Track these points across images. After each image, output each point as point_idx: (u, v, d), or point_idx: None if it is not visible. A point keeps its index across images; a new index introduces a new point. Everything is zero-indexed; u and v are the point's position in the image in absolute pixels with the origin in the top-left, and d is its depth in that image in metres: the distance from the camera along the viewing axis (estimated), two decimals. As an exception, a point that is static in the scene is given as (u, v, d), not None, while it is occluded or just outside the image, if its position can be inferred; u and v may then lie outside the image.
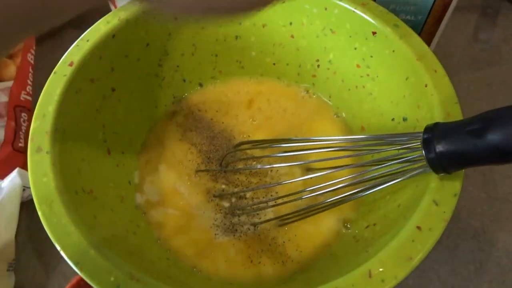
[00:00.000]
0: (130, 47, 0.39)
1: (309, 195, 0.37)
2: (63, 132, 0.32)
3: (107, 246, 0.28)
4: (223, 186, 0.40)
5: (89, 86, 0.36)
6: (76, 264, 0.26)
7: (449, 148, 0.26)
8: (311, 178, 0.39)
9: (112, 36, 0.37)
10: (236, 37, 0.44)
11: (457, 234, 0.44)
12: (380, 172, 0.32)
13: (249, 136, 0.43)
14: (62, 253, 0.26)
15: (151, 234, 0.37)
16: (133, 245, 0.33)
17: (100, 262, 0.26)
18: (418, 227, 0.27)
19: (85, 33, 0.37)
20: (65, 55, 0.35)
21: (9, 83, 0.45)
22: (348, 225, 0.38)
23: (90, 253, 0.26)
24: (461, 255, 0.42)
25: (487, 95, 0.54)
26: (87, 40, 0.36)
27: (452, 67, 0.57)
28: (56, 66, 0.35)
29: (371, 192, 0.33)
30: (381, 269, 0.26)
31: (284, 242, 0.37)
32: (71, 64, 0.35)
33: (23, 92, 0.46)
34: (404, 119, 0.37)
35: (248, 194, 0.39)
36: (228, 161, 0.41)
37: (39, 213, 0.28)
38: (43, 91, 0.33)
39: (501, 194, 0.46)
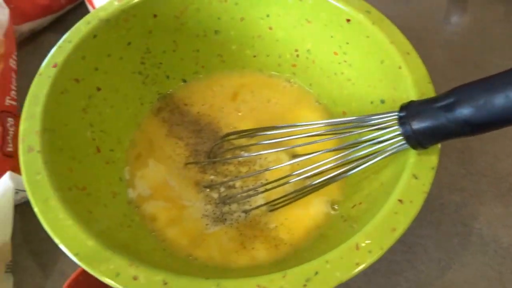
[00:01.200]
0: (112, 47, 0.40)
1: (296, 179, 0.38)
2: (53, 131, 0.33)
3: (103, 238, 0.29)
4: (212, 177, 0.41)
5: (74, 86, 0.37)
6: (75, 255, 0.26)
7: (422, 124, 0.28)
8: (297, 163, 0.40)
9: (94, 36, 0.38)
10: (216, 31, 0.45)
11: (440, 210, 0.45)
12: (361, 153, 0.34)
13: (235, 127, 0.44)
14: (61, 245, 0.27)
15: (145, 227, 0.38)
16: (128, 238, 0.34)
17: (99, 251, 0.27)
18: (400, 200, 0.29)
19: (66, 34, 0.37)
20: (48, 56, 0.36)
21: (-7, 89, 0.45)
22: (336, 207, 0.39)
23: (88, 244, 0.27)
24: (445, 229, 0.44)
25: (461, 75, 0.56)
26: (69, 41, 0.37)
27: (426, 50, 0.59)
28: (40, 68, 0.35)
29: (353, 172, 0.34)
30: (367, 242, 0.27)
31: (276, 226, 0.38)
32: (54, 66, 0.35)
33: (7, 97, 0.47)
34: (382, 101, 0.38)
35: (238, 183, 0.41)
36: (216, 152, 0.42)
37: (36, 210, 0.28)
38: (29, 92, 0.34)
39: (478, 169, 0.48)
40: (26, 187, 0.29)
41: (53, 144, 0.32)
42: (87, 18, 0.38)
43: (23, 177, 0.29)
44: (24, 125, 0.32)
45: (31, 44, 0.59)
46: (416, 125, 0.28)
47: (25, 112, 0.33)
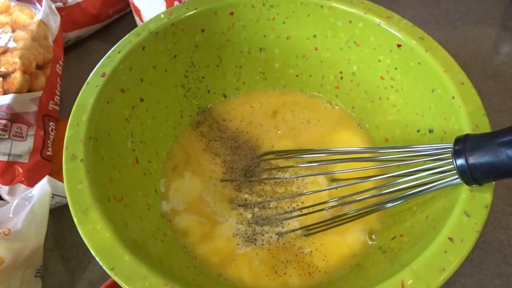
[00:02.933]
0: (158, 59, 0.40)
1: (335, 205, 0.37)
2: (96, 140, 0.33)
3: (138, 252, 0.28)
4: (246, 196, 0.40)
5: (120, 96, 0.37)
6: (111, 269, 0.26)
7: (481, 160, 0.26)
8: (336, 188, 0.39)
9: (142, 48, 0.38)
10: (261, 49, 0.45)
11: (482, 247, 0.43)
12: (408, 184, 0.32)
13: (273, 146, 0.43)
14: (97, 258, 0.26)
15: (177, 242, 0.37)
16: (161, 253, 0.33)
17: (135, 268, 0.26)
18: (450, 238, 0.27)
19: (116, 44, 0.38)
20: (97, 66, 0.36)
21: (39, 93, 0.46)
22: (374, 236, 0.38)
23: (125, 258, 0.26)
24: (487, 269, 0.42)
25: (509, 107, 0.54)
26: (119, 52, 0.37)
27: (473, 80, 0.57)
28: (89, 77, 0.36)
29: (398, 203, 0.33)
30: (413, 280, 0.26)
31: (311, 251, 0.37)
32: (103, 75, 0.35)
33: (51, 102, 0.47)
34: (430, 131, 0.37)
35: (272, 204, 0.40)
36: (252, 171, 0.42)
37: (75, 220, 0.28)
38: (76, 101, 0.34)
39: (526, 207, 0.46)
40: (68, 195, 0.29)
41: (96, 153, 0.32)
42: (137, 30, 0.38)
43: (65, 186, 0.29)
44: (69, 133, 0.32)
45: (76, 51, 0.60)
46: (473, 160, 0.27)
47: (71, 120, 0.33)
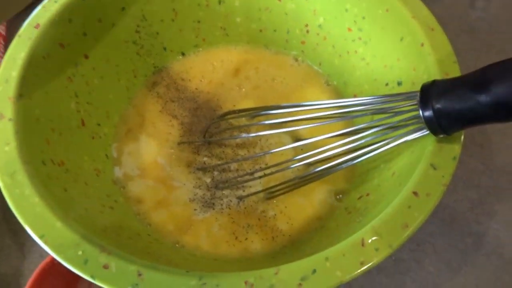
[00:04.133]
0: (103, 11, 0.36)
1: (298, 164, 0.34)
2: (29, 99, 0.29)
3: (78, 220, 0.25)
4: (205, 159, 0.38)
5: (59, 51, 0.33)
6: (40, 237, 0.23)
7: (448, 106, 0.24)
8: (301, 147, 0.37)
9: (83, -3, 0.34)
10: (219, 1, 0.42)
11: (453, 206, 0.42)
12: (373, 137, 0.30)
13: (234, 106, 0.41)
14: (25, 225, 0.24)
15: (130, 209, 0.35)
16: (109, 221, 0.31)
17: (67, 234, 0.23)
18: (415, 193, 0.25)
19: (53, -7, 0.34)
20: (30, 16, 0.32)
21: (-22, 54, 0.42)
22: (340, 197, 0.36)
23: (56, 225, 0.24)
24: (457, 228, 0.41)
25: (486, 63, 0.52)
26: (55, 1, 0.33)
27: (449, 35, 0.55)
28: (21, 29, 0.32)
29: (362, 160, 0.31)
30: (374, 238, 0.24)
31: (275, 214, 0.35)
32: (37, 27, 0.32)
33: (-7, 64, 0.43)
34: (399, 83, 0.34)
35: (233, 166, 0.37)
36: (212, 132, 0.39)
37: (0, 184, 0.25)
38: (6, 55, 0.30)
39: (498, 165, 0.44)
40: (-8, 157, 0.26)
41: (29, 113, 0.29)
42: (76, -24, 0.34)
43: (-10, 147, 0.26)
44: (-4, 90, 0.29)
45: (26, 11, 0.55)
46: (440, 106, 0.24)
47: (-1, 76, 0.29)
